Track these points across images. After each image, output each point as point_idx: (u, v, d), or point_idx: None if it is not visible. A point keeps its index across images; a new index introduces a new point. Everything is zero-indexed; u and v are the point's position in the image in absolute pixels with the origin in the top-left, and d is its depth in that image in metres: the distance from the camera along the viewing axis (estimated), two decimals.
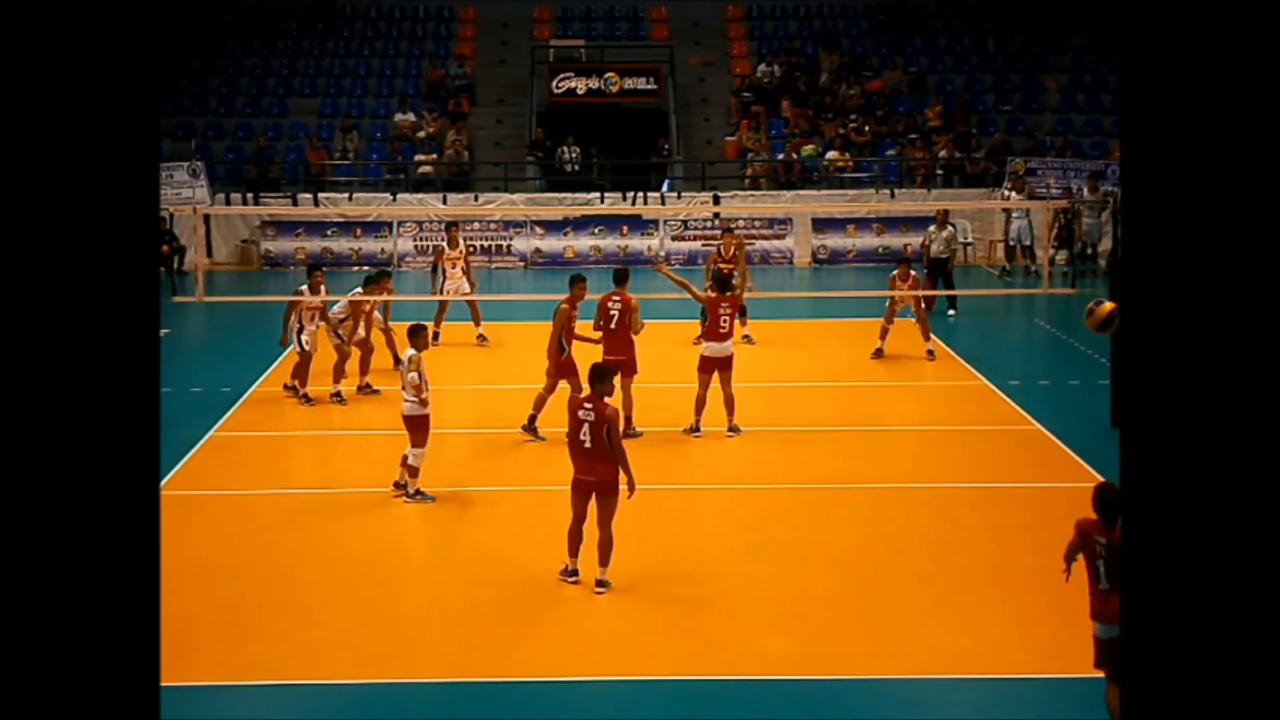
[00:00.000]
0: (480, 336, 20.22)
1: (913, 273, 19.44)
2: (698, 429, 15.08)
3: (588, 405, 10.58)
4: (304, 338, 16.72)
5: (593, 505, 10.63)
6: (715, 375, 15.08)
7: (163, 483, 13.37)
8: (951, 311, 22.35)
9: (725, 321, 15.20)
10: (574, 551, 10.82)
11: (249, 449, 15.11)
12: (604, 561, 10.65)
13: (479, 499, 13.18)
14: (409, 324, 13.26)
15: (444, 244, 20.68)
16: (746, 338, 19.84)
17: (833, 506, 12.96)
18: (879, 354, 18.97)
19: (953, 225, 23.72)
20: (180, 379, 17.55)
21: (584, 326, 15.13)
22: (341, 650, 9.73)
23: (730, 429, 15.12)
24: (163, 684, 4.75)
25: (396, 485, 13.08)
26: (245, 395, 17.27)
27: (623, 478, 10.50)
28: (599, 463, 10.47)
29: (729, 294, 15.34)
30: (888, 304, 19.30)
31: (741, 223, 29.66)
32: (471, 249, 27.95)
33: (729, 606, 10.44)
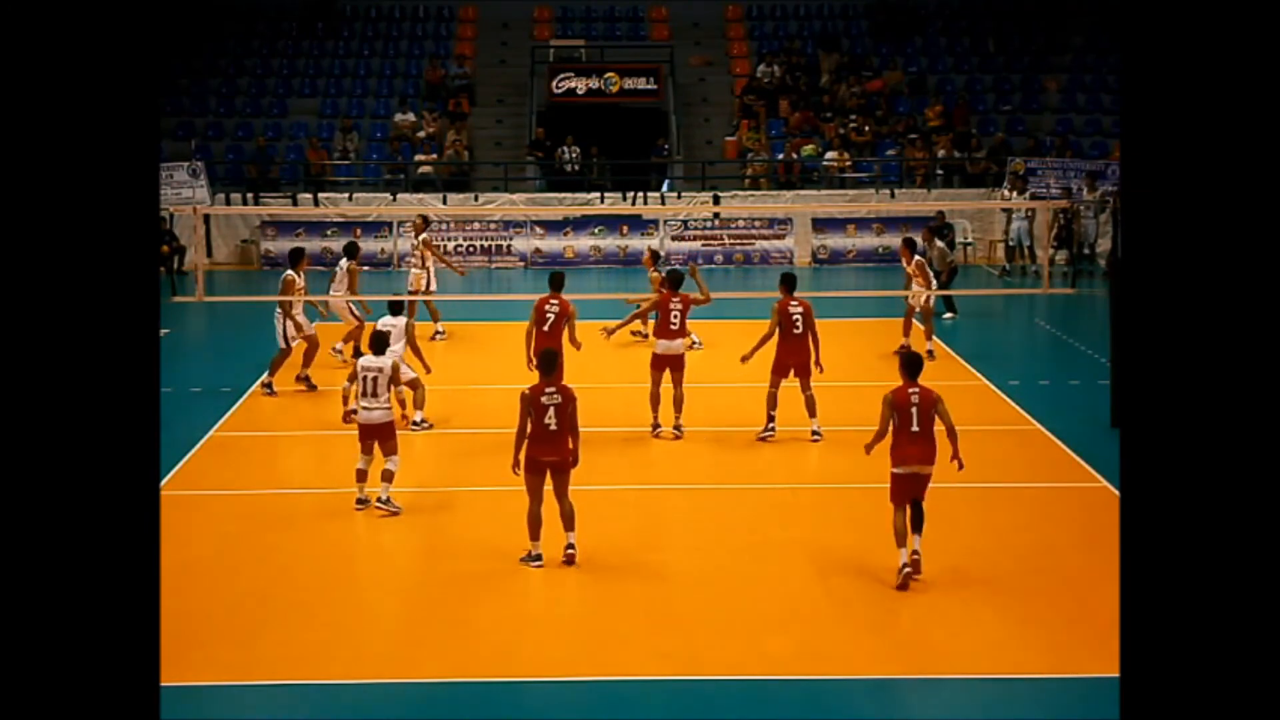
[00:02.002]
0: (437, 332, 20.52)
1: (917, 256, 19.32)
2: (657, 426, 15.06)
3: (550, 390, 11.03)
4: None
5: (548, 483, 11.10)
6: (667, 373, 15.06)
7: (163, 483, 13.36)
8: (949, 315, 22.35)
9: (676, 318, 15.07)
10: (538, 535, 11.09)
11: (249, 449, 15.11)
12: (572, 527, 11.11)
13: (479, 499, 13.17)
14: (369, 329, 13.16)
15: (416, 236, 21.05)
16: (643, 336, 19.60)
17: (833, 506, 12.96)
18: (930, 356, 18.68)
19: (940, 239, 23.12)
20: (180, 379, 17.54)
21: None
22: (341, 650, 9.72)
23: (675, 428, 15.10)
24: (163, 684, 4.75)
25: (380, 502, 12.54)
26: (245, 395, 17.26)
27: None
28: (561, 443, 11.03)
29: (680, 292, 15.23)
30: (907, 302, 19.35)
31: (741, 222, 29.69)
32: (471, 249, 28.02)
33: (729, 606, 10.44)
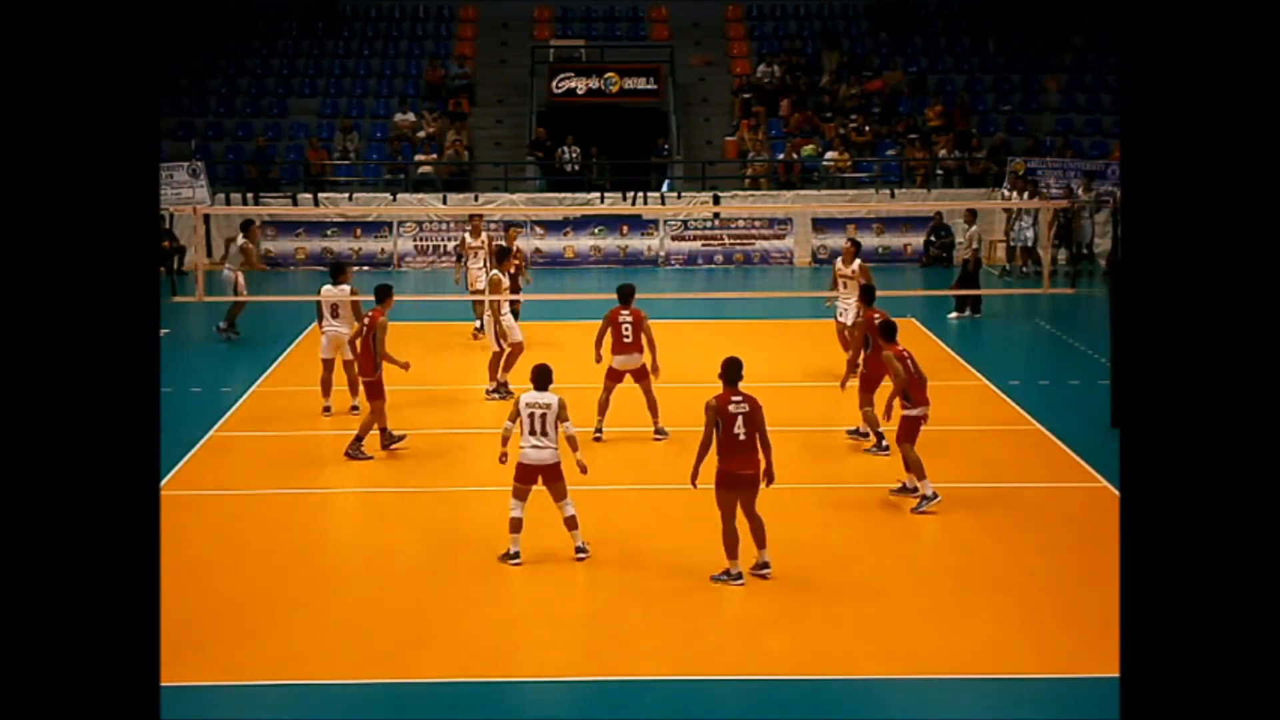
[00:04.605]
0: (477, 332, 20.50)
1: (858, 260, 17.74)
2: (599, 432, 14.91)
3: (737, 399, 10.65)
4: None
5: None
6: (628, 382, 14.90)
7: (163, 483, 13.36)
8: (953, 315, 22.40)
9: (628, 331, 14.80)
10: (735, 553, 10.70)
11: (249, 449, 15.10)
12: (764, 543, 10.80)
13: (481, 499, 13.16)
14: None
15: (466, 234, 20.93)
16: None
17: (833, 506, 12.96)
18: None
19: (949, 226, 23.49)
20: (180, 379, 17.55)
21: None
22: (341, 650, 9.72)
23: (657, 432, 15.08)
24: (163, 684, 4.75)
25: (580, 551, 11.41)
26: (245, 395, 17.26)
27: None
28: (753, 455, 10.59)
29: (631, 306, 14.96)
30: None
31: (741, 222, 29.70)
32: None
33: (729, 606, 10.44)
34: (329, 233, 29.39)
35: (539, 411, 11.24)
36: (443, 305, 21.81)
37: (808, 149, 31.33)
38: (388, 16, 35.89)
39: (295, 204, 29.74)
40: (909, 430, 12.69)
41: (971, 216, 23.16)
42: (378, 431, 14.42)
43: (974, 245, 22.91)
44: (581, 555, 11.31)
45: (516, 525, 11.26)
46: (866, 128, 31.80)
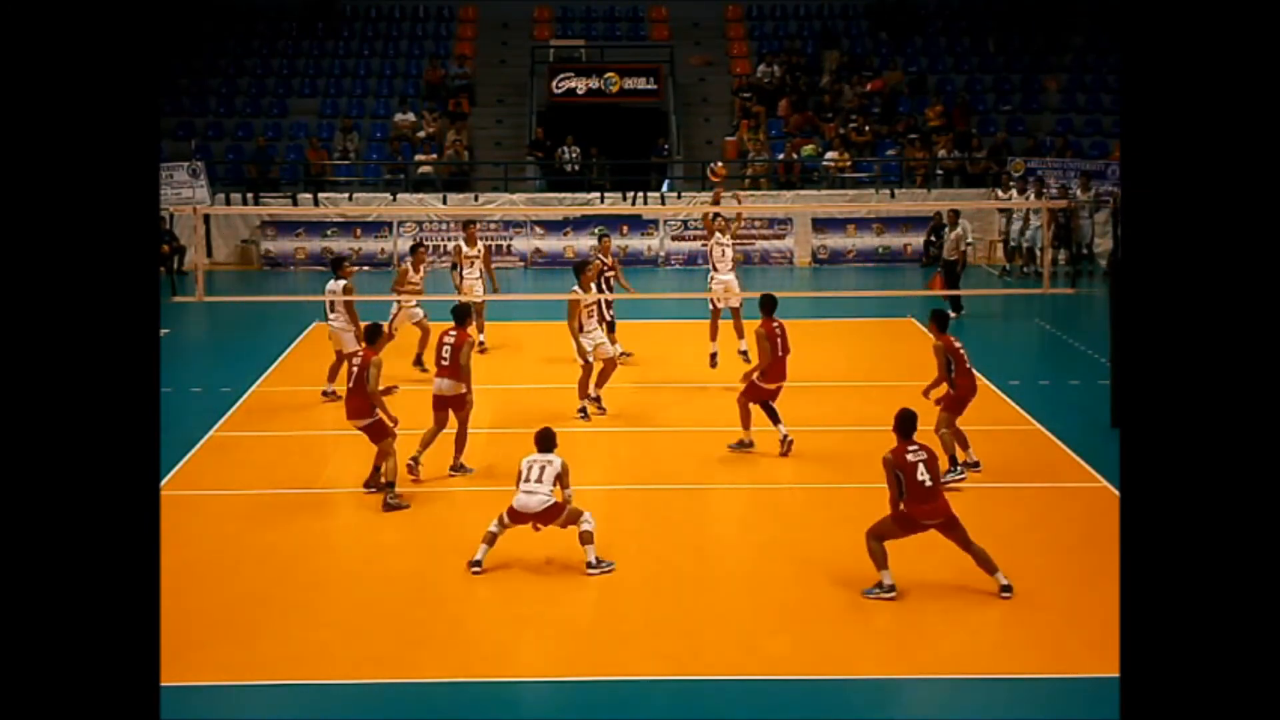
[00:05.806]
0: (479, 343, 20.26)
1: (719, 229, 17.60)
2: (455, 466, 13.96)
3: (914, 448, 10.39)
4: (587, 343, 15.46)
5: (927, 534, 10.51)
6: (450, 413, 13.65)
7: (163, 483, 13.36)
8: (952, 314, 22.37)
9: (447, 353, 13.43)
10: (886, 563, 10.50)
11: (249, 449, 15.10)
12: (994, 567, 10.52)
13: (482, 499, 13.15)
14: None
15: (461, 242, 20.32)
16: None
17: (833, 506, 12.95)
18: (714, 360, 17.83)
19: (961, 225, 23.36)
20: (180, 379, 17.55)
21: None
22: (341, 650, 9.72)
23: (452, 468, 13.84)
24: (163, 684, 4.75)
25: (592, 565, 11.12)
26: (245, 395, 17.26)
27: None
28: (939, 501, 10.36)
29: (460, 326, 13.66)
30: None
31: (741, 222, 29.68)
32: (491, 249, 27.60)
33: (729, 606, 10.44)
34: (329, 233, 29.40)
35: (539, 464, 11.13)
36: (442, 306, 21.75)
37: (808, 149, 31.33)
38: (388, 16, 35.90)
39: (295, 204, 29.76)
40: (754, 393, 14.23)
41: (954, 217, 23.14)
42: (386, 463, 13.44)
43: (960, 247, 22.91)
44: (593, 570, 11.03)
45: (490, 539, 11.14)
46: (866, 128, 31.80)
